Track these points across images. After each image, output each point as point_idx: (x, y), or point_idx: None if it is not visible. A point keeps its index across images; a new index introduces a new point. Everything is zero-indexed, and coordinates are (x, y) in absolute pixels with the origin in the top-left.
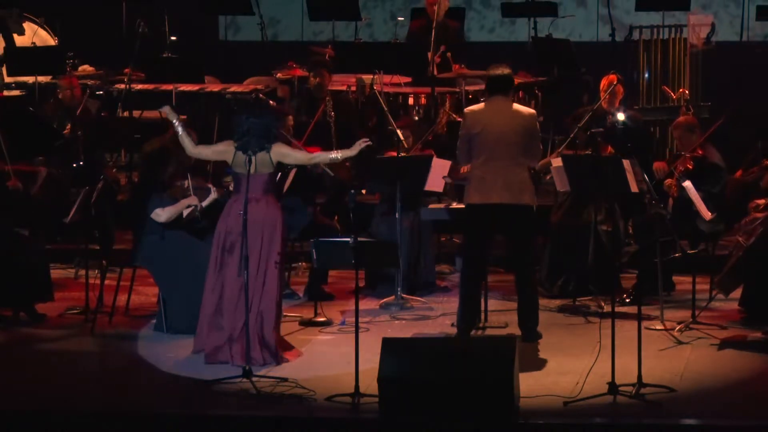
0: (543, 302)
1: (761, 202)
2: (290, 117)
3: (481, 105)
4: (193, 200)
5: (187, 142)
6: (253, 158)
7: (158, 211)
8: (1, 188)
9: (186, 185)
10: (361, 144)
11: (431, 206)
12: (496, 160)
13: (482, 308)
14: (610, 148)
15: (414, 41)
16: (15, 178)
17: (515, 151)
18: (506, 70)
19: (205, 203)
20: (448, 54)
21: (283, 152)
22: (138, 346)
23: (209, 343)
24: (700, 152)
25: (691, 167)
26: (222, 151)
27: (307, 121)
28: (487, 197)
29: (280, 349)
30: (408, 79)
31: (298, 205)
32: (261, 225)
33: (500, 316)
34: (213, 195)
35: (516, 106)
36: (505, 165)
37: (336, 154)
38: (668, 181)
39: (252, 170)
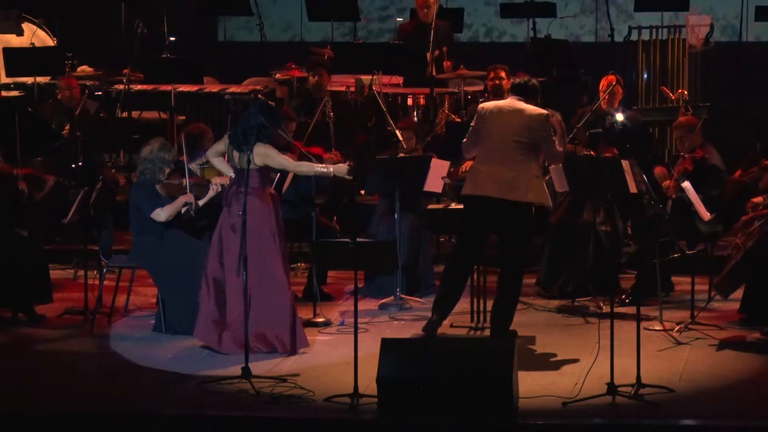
0: (542, 302)
1: (758, 200)
2: (293, 124)
3: (496, 101)
4: (188, 198)
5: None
6: (240, 153)
7: (158, 211)
8: (6, 191)
9: (183, 183)
10: (348, 165)
11: (430, 207)
12: (494, 156)
13: (480, 309)
14: (615, 150)
15: (404, 42)
16: (24, 182)
17: (515, 149)
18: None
19: (203, 200)
20: (444, 49)
21: (267, 153)
22: (136, 346)
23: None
24: (700, 153)
25: (690, 169)
26: (221, 150)
27: (306, 122)
28: (479, 189)
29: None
30: (399, 80)
31: (298, 204)
32: (261, 217)
33: None
34: (212, 191)
35: (525, 105)
36: (502, 161)
37: (323, 168)
38: (666, 182)
39: (241, 164)
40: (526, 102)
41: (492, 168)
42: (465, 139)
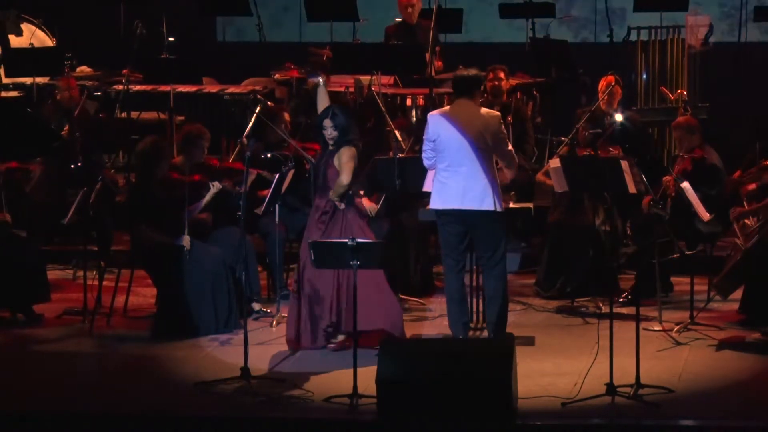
0: (540, 303)
1: (752, 187)
2: (287, 115)
3: (446, 108)
4: (215, 187)
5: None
6: None
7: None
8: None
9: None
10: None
11: (429, 207)
12: (458, 167)
13: (479, 309)
14: (617, 150)
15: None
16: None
17: (478, 156)
18: (472, 71)
19: (205, 199)
20: (437, 49)
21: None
22: (136, 347)
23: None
24: (699, 153)
25: (690, 169)
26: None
27: (305, 122)
28: (447, 203)
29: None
30: (390, 80)
31: (297, 205)
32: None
33: None
34: (214, 189)
35: (475, 107)
36: (467, 171)
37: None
38: (666, 178)
39: None
40: (472, 100)
41: (458, 181)
42: (423, 152)
